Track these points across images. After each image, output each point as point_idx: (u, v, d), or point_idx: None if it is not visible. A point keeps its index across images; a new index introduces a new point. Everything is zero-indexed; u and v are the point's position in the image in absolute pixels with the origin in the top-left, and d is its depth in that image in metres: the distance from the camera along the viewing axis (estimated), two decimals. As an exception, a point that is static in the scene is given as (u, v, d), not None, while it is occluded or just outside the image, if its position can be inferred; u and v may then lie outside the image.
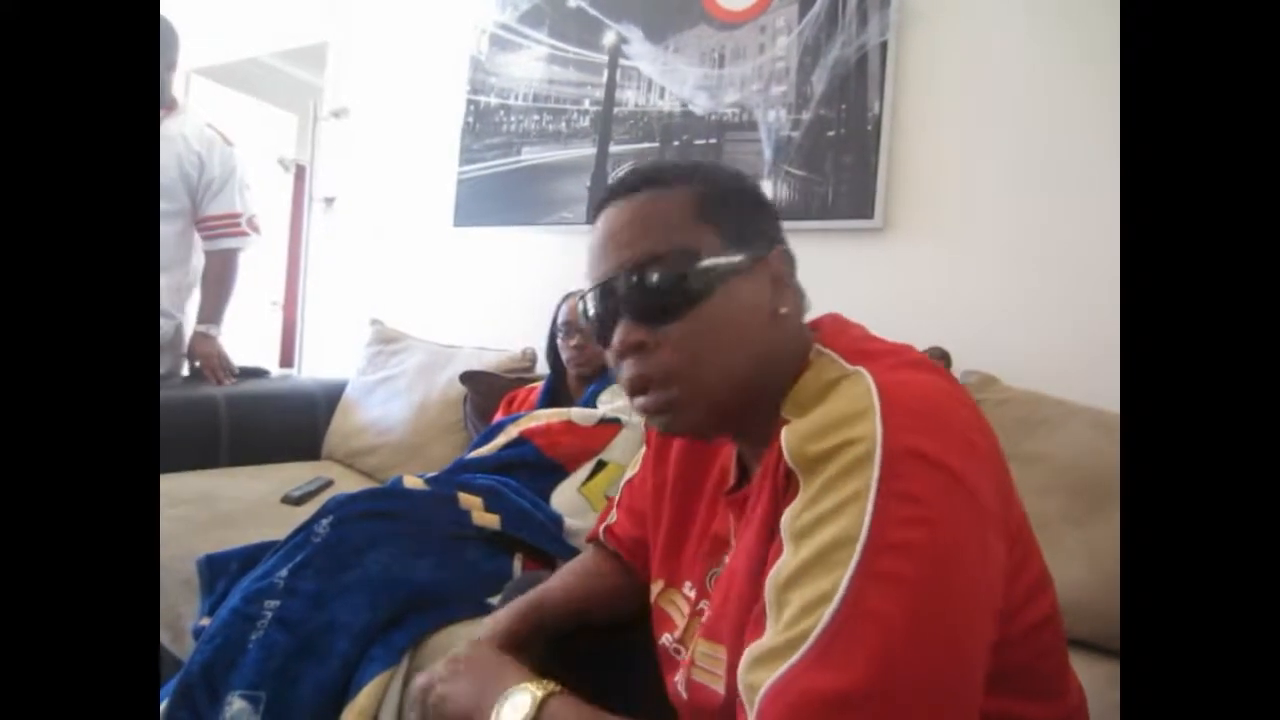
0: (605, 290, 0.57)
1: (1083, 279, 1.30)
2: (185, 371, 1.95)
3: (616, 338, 0.56)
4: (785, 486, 0.50)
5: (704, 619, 0.60)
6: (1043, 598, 0.53)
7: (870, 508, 0.42)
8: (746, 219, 0.58)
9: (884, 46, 1.48)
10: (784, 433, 0.49)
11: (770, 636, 0.44)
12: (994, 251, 1.40)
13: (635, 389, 0.56)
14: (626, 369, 0.56)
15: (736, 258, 0.55)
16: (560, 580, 0.79)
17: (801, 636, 0.42)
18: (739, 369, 0.55)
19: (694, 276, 0.54)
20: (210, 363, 1.87)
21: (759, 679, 0.42)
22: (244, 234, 1.91)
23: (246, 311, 2.56)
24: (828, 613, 0.41)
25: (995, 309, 1.38)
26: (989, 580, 0.45)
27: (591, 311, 0.59)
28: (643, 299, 0.55)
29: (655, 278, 0.54)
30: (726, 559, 0.60)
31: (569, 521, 1.28)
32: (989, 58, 1.41)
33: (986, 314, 1.39)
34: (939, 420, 0.46)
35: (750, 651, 0.45)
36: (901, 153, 1.49)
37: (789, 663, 0.42)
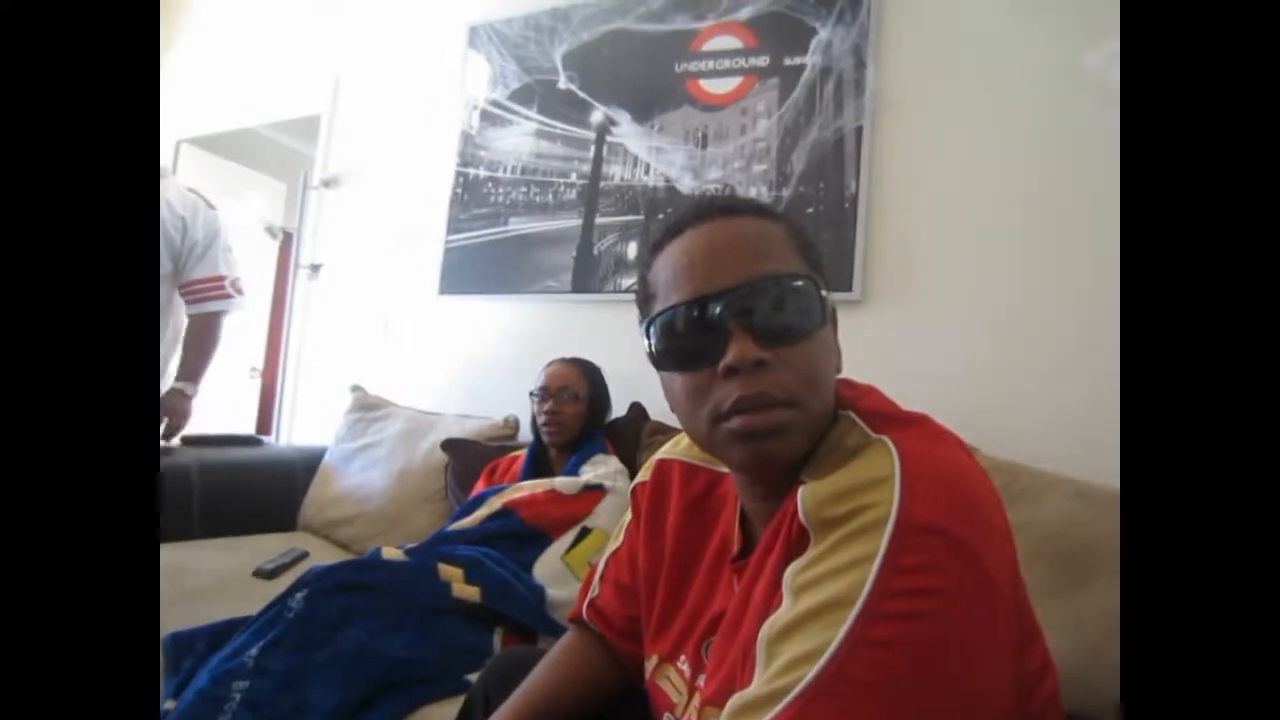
0: (729, 298, 0.52)
1: (1059, 347, 1.34)
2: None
3: (733, 351, 0.51)
4: (798, 544, 0.49)
5: (705, 688, 0.58)
6: (1044, 684, 0.52)
7: (874, 573, 0.42)
8: (823, 268, 0.59)
9: (859, 131, 1.56)
10: (801, 491, 0.49)
11: (756, 686, 0.44)
12: (970, 321, 1.44)
13: (748, 406, 0.51)
14: (739, 386, 0.51)
15: (829, 302, 0.56)
16: (543, 676, 0.75)
17: (783, 691, 0.42)
18: (827, 409, 0.55)
19: (817, 307, 0.54)
20: (177, 420, 1.83)
21: None
22: (228, 296, 1.91)
23: (224, 378, 2.53)
24: (811, 672, 0.41)
25: (973, 378, 1.41)
26: (993, 661, 0.44)
27: (694, 317, 0.53)
28: (773, 314, 0.52)
29: (790, 296, 0.53)
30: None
31: (551, 593, 1.25)
32: (960, 139, 1.48)
33: (964, 383, 1.41)
34: (961, 497, 0.46)
35: (735, 699, 0.45)
36: (878, 228, 1.54)
37: (767, 717, 0.41)
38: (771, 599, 0.49)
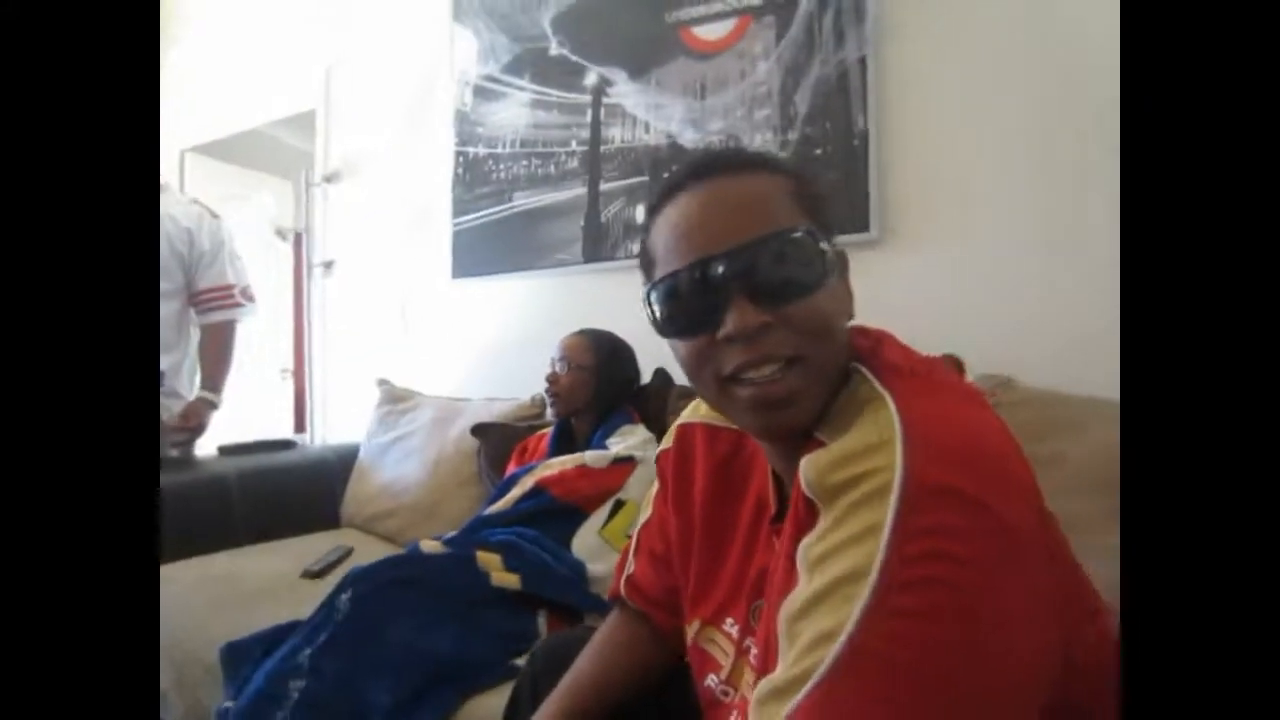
0: (724, 261, 0.50)
1: (1088, 269, 1.27)
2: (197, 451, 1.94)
3: (732, 320, 0.49)
4: (807, 517, 0.48)
5: (753, 657, 0.57)
6: (1093, 627, 0.50)
7: (884, 542, 0.40)
8: (826, 216, 0.56)
9: (863, 62, 1.48)
10: (803, 463, 0.47)
11: (781, 670, 0.43)
12: (995, 251, 1.37)
13: (750, 368, 0.50)
14: (741, 351, 0.50)
15: (832, 250, 0.53)
16: (589, 663, 0.75)
17: (807, 674, 0.40)
18: (837, 361, 0.53)
19: (819, 258, 0.51)
20: (193, 422, 1.85)
21: (769, 715, 0.41)
22: (238, 304, 1.92)
23: (258, 382, 2.56)
24: (833, 651, 0.40)
25: (1003, 309, 1.36)
26: (1027, 621, 0.41)
27: (692, 282, 0.52)
28: (771, 274, 0.50)
29: (789, 252, 0.51)
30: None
31: (591, 568, 1.25)
32: (970, 61, 1.40)
33: (995, 315, 1.36)
34: (970, 452, 0.43)
35: (763, 685, 0.43)
36: (892, 163, 1.48)
37: (794, 702, 0.40)
38: (791, 574, 0.48)
